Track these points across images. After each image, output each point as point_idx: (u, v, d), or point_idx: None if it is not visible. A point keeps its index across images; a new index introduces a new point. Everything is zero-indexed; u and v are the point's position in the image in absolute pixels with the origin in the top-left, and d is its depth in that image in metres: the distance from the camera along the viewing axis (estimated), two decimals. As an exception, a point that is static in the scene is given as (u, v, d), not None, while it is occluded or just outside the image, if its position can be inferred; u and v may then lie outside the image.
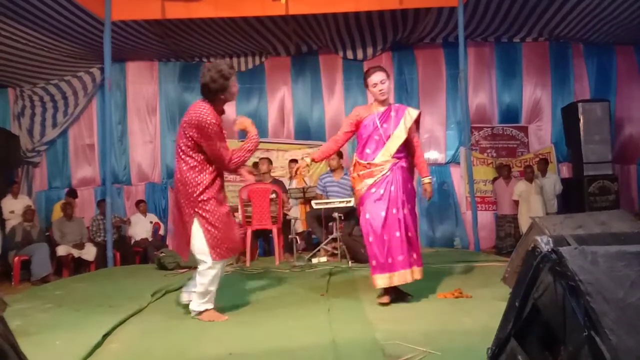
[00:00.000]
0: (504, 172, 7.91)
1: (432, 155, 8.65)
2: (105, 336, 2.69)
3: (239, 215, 6.02)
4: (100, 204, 7.74)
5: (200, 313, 3.11)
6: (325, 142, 8.54)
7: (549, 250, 1.28)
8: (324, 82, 8.62)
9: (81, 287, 4.53)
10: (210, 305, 3.14)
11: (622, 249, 1.26)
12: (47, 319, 3.21)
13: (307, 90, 8.66)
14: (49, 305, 3.65)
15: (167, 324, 3.06)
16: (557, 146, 8.43)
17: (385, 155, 3.41)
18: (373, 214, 3.32)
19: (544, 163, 7.90)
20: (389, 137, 3.42)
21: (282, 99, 8.67)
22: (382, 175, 3.37)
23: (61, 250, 6.90)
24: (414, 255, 3.38)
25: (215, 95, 3.10)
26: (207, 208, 3.02)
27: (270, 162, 6.76)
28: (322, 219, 5.82)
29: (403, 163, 3.45)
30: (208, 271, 3.04)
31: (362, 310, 3.17)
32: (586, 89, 8.45)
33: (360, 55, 8.55)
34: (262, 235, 6.39)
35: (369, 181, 3.39)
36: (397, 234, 3.28)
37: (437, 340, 2.40)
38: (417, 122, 3.56)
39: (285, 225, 6.05)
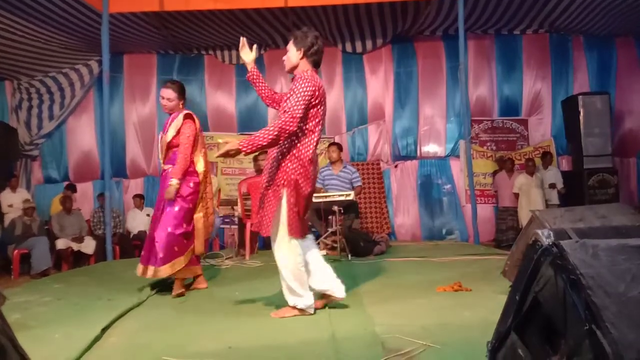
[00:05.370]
0: (507, 166, 7.87)
1: (432, 148, 8.64)
2: (104, 330, 2.69)
3: (238, 209, 6.02)
4: (100, 197, 7.75)
5: None
6: (324, 135, 8.57)
7: (550, 243, 1.27)
8: (324, 74, 8.59)
9: (80, 281, 4.52)
10: None
11: (623, 242, 1.25)
12: (47, 313, 3.21)
13: (306, 83, 8.63)
14: (48, 298, 3.64)
15: (167, 318, 3.06)
16: (556, 139, 8.42)
17: (161, 162, 3.85)
18: None
19: (547, 156, 7.88)
20: (161, 145, 3.82)
21: (281, 91, 8.63)
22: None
23: (60, 244, 6.90)
24: (160, 255, 3.61)
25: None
26: None
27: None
28: (321, 212, 5.80)
29: (171, 169, 3.75)
30: None
31: (362, 304, 3.16)
32: (586, 81, 8.43)
33: (359, 48, 8.51)
34: (261, 229, 6.38)
35: None
36: (148, 232, 3.83)
37: (436, 333, 2.40)
38: (192, 121, 3.78)
39: (285, 218, 6.03)
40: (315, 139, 2.92)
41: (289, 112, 2.75)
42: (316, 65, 3.00)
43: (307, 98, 2.80)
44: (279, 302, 3.34)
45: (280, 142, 2.81)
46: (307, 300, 2.92)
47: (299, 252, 2.90)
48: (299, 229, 2.90)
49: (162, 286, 3.86)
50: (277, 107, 3.19)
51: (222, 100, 8.68)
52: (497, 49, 8.49)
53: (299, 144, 2.87)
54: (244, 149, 2.71)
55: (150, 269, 3.65)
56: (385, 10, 7.37)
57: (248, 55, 3.19)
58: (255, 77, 3.21)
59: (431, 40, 8.54)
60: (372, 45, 8.47)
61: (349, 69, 8.60)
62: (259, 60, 8.66)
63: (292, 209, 2.85)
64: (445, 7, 7.28)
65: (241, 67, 8.65)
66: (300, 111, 2.76)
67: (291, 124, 2.74)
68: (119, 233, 7.49)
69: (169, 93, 3.77)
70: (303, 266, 2.93)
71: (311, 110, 2.86)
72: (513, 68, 8.46)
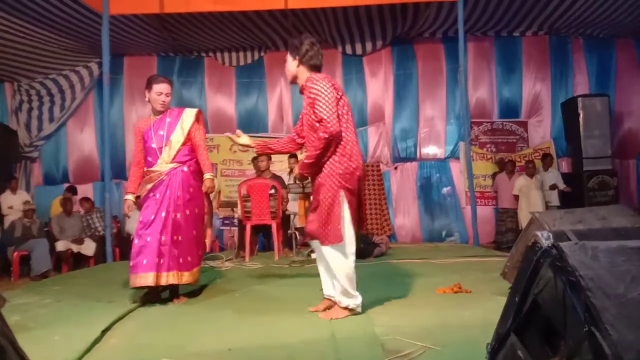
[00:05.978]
0: (508, 167, 7.86)
1: (432, 150, 8.65)
2: (104, 331, 2.68)
3: (237, 211, 6.02)
4: (83, 202, 7.67)
5: None
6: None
7: (550, 245, 1.27)
8: (324, 76, 8.60)
9: (80, 283, 4.53)
10: None
11: (623, 244, 1.25)
12: (46, 315, 3.20)
13: (306, 85, 8.64)
14: (48, 300, 3.64)
15: (166, 319, 3.06)
16: (556, 141, 8.43)
17: (163, 161, 3.55)
18: (143, 217, 3.48)
19: (547, 158, 7.88)
20: (166, 143, 3.55)
21: (281, 93, 8.65)
22: (160, 180, 3.50)
23: (60, 246, 6.89)
24: (180, 260, 3.45)
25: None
26: None
27: (269, 157, 6.75)
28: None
29: (185, 167, 3.56)
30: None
31: (362, 305, 3.16)
32: (586, 83, 8.44)
33: (359, 50, 8.52)
34: (261, 231, 6.39)
35: (149, 186, 3.54)
36: (163, 237, 3.40)
37: (436, 335, 2.40)
38: (198, 120, 3.68)
39: (285, 220, 6.04)
40: (351, 134, 2.92)
41: (324, 119, 2.76)
42: (316, 70, 3.01)
43: (331, 96, 2.80)
44: (278, 303, 3.34)
45: (332, 146, 2.82)
46: (357, 300, 2.90)
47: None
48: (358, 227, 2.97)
49: (162, 287, 3.83)
50: (303, 138, 3.15)
51: (222, 102, 8.68)
52: (496, 51, 8.50)
53: (339, 145, 2.87)
54: (305, 172, 2.99)
55: (179, 275, 3.43)
56: (384, 12, 7.38)
57: (244, 139, 3.26)
58: (266, 148, 3.31)
59: (431, 42, 8.55)
60: (371, 47, 8.48)
61: (349, 71, 8.61)
62: (258, 63, 8.67)
63: (352, 210, 2.88)
64: (444, 9, 7.29)
65: (241, 69, 8.65)
66: (333, 111, 2.78)
67: (332, 127, 2.76)
68: (114, 235, 7.46)
69: (167, 88, 3.62)
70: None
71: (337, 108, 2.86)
72: (513, 70, 8.47)
